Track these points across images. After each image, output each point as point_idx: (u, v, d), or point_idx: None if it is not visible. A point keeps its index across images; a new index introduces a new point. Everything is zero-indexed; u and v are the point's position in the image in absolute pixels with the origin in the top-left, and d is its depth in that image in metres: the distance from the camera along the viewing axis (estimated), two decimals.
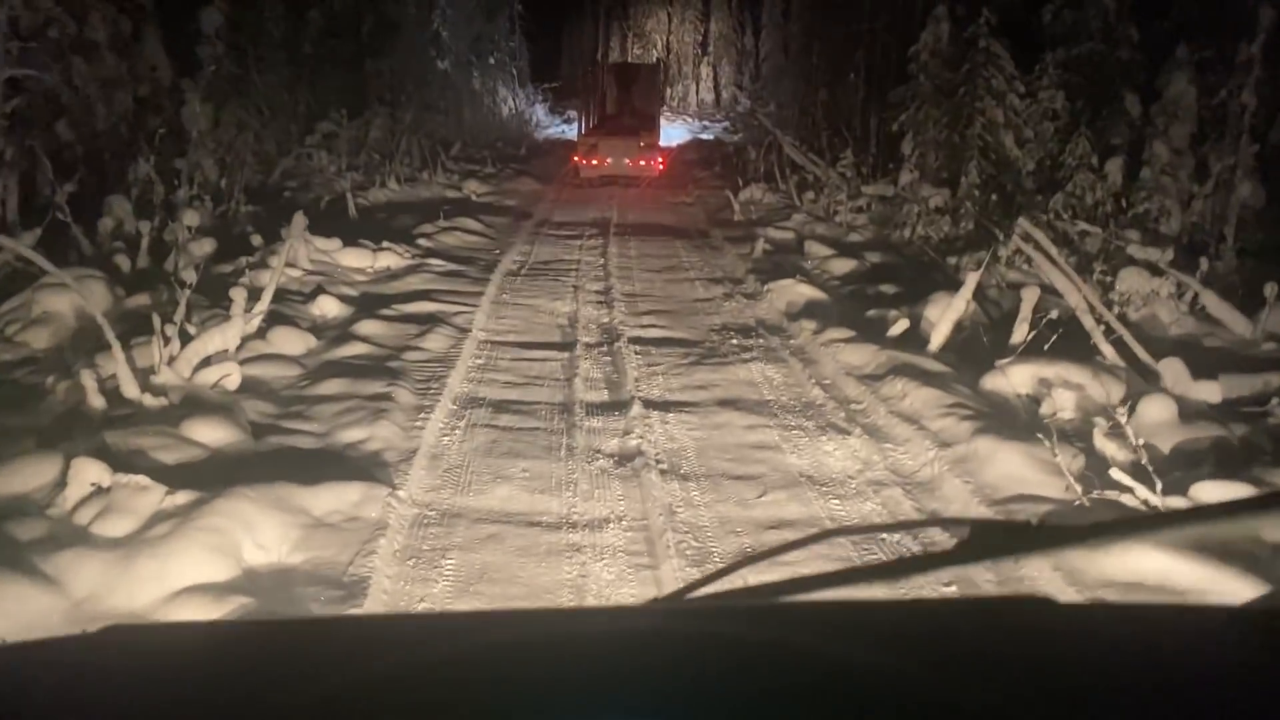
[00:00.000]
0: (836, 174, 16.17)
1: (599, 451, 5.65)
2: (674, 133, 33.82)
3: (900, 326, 8.03)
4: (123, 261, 9.79)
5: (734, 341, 8.36)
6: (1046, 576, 4.10)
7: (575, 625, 0.89)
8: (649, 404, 6.51)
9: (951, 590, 3.88)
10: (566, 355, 7.85)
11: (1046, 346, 7.07)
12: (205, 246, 10.17)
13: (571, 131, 35.33)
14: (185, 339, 6.41)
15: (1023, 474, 5.13)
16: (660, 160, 21.71)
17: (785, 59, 45.44)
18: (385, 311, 8.65)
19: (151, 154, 13.53)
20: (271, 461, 4.87)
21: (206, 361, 6.22)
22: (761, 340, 8.42)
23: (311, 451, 5.19)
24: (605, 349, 8.09)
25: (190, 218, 10.56)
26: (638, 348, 8.09)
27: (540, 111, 41.08)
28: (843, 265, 11.82)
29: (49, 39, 12.91)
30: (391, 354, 7.34)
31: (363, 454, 5.26)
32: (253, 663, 0.79)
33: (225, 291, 8.19)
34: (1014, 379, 6.76)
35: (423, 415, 6.01)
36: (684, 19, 63.43)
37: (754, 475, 5.36)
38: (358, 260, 10.86)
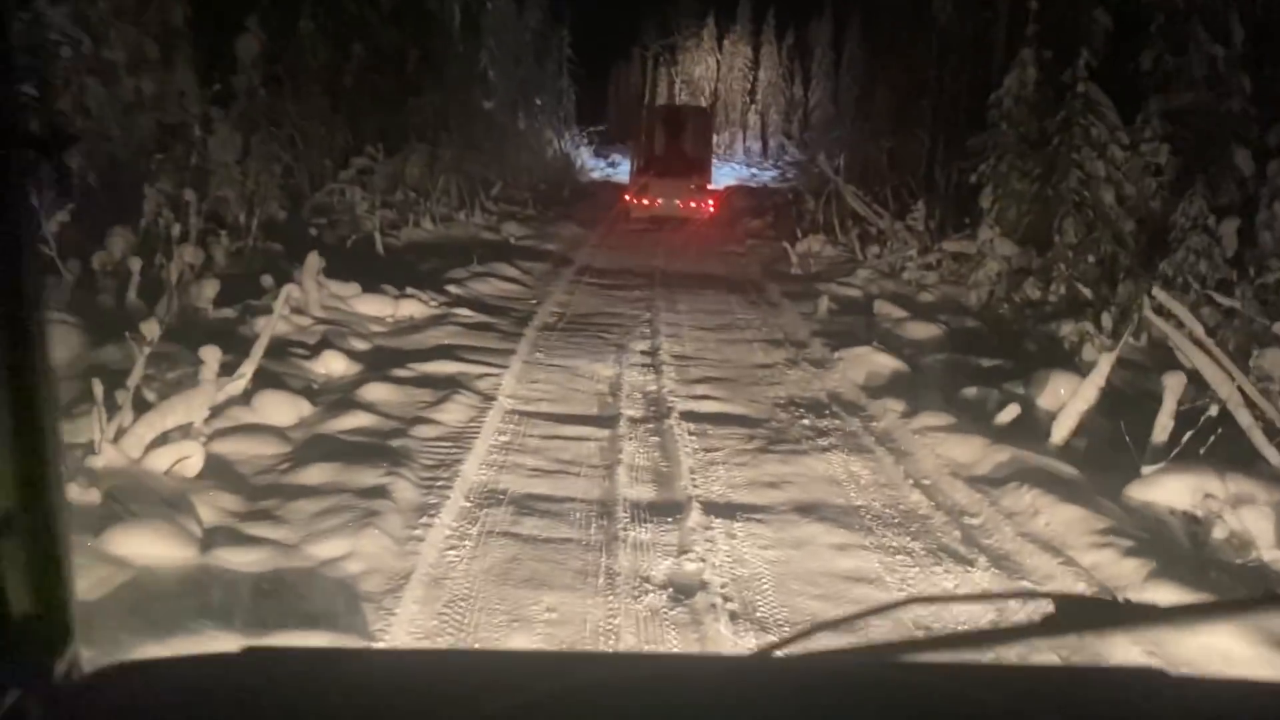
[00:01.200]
0: (904, 228, 14.87)
1: (648, 580, 4.35)
2: (721, 178, 32.81)
3: (1010, 413, 6.68)
4: (109, 303, 8.71)
5: (805, 423, 7.04)
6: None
7: (663, 674, 0.90)
8: (709, 508, 5.20)
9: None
10: (607, 434, 6.57)
11: (1202, 450, 5.68)
12: (207, 289, 9.05)
13: (617, 174, 34.81)
14: (145, 407, 5.22)
15: (1229, 647, 3.75)
16: (711, 203, 21.62)
17: (835, 109, 44.45)
18: (399, 372, 7.44)
19: (168, 183, 12.60)
20: (211, 592, 3.62)
21: (164, 439, 5.01)
22: (838, 422, 7.09)
23: (269, 575, 3.92)
24: (653, 426, 6.81)
25: (191, 254, 9.48)
26: (691, 426, 6.80)
27: (585, 155, 40.26)
28: (920, 330, 10.49)
29: (60, 59, 12.01)
30: (398, 428, 6.10)
31: (338, 580, 3.98)
32: (395, 692, 0.82)
33: (220, 341, 7.04)
34: (1167, 492, 5.39)
35: (425, 520, 4.73)
36: (732, 67, 62.89)
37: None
38: (377, 308, 9.70)
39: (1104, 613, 1.15)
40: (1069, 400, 6.39)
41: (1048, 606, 1.04)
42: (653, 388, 7.92)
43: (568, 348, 9.19)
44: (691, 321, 10.92)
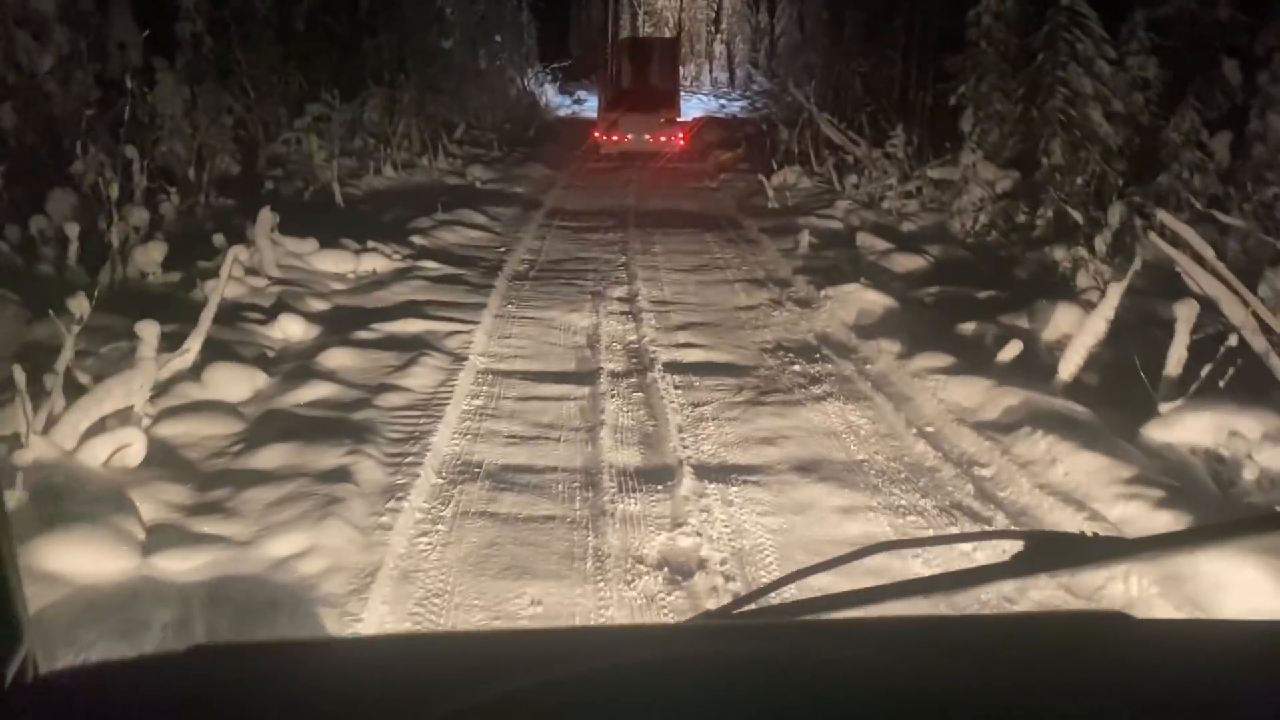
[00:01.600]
0: (882, 155, 14.39)
1: (641, 561, 3.97)
2: (689, 110, 32.14)
3: (1012, 350, 6.31)
4: (49, 271, 8.15)
5: (796, 369, 6.66)
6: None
7: (626, 646, 0.86)
8: (702, 472, 4.82)
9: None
10: (587, 391, 6.17)
11: (1222, 383, 5.34)
12: (153, 252, 8.50)
13: (583, 111, 34.05)
14: (80, 391, 4.76)
15: (1277, 605, 3.42)
16: (681, 135, 21.25)
17: (801, 35, 43.57)
18: (362, 334, 6.97)
19: (111, 140, 11.94)
20: (154, 611, 3.19)
21: (102, 425, 4.55)
22: (830, 366, 6.71)
23: (219, 583, 3.50)
24: (635, 380, 6.41)
25: (136, 215, 8.89)
26: (676, 378, 6.40)
27: (550, 92, 39.25)
28: (907, 262, 10.09)
29: None
30: (362, 398, 5.65)
31: (297, 582, 3.57)
32: (351, 682, 0.78)
33: (169, 308, 6.56)
34: (1189, 431, 5.05)
35: (392, 504, 4.32)
36: None
37: None
38: (337, 264, 9.18)
39: (1086, 548, 1.04)
40: (1076, 335, 6.02)
41: (1020, 544, 0.98)
42: (633, 337, 7.50)
43: (541, 298, 8.73)
44: (668, 264, 10.47)
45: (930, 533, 4.23)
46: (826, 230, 11.93)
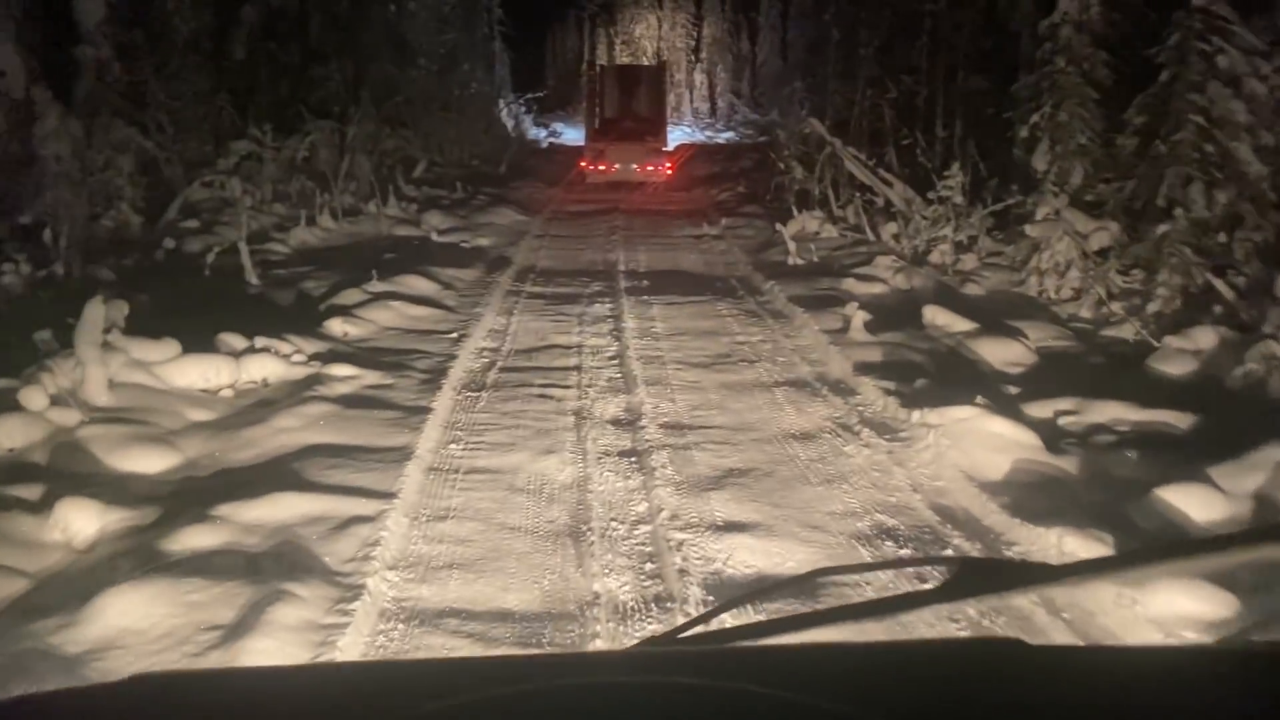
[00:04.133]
0: (937, 199, 11.72)
1: None
2: (674, 141, 29.84)
3: None
4: None
5: (944, 614, 3.90)
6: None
7: (561, 674, 0.88)
8: None
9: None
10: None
11: None
12: None
13: (559, 144, 32.18)
14: None
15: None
16: (669, 164, 20.75)
17: (784, 62, 41.27)
18: (191, 535, 4.13)
19: None
20: None
21: None
22: (993, 605, 3.95)
23: None
24: (655, 632, 3.63)
25: None
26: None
27: (524, 124, 36.66)
28: (1003, 353, 7.39)
29: None
30: None
31: None
32: (290, 711, 0.78)
33: None
34: None
35: None
36: (675, 23, 59.44)
37: None
38: (205, 376, 6.35)
39: (1013, 573, 0.93)
40: None
41: (953, 568, 0.93)
42: (641, 509, 4.76)
43: (500, 427, 5.95)
44: (677, 354, 7.73)
45: None
46: (876, 300, 9.22)
